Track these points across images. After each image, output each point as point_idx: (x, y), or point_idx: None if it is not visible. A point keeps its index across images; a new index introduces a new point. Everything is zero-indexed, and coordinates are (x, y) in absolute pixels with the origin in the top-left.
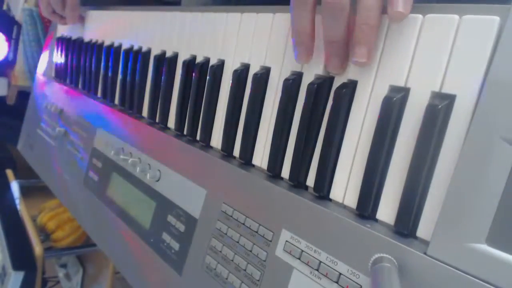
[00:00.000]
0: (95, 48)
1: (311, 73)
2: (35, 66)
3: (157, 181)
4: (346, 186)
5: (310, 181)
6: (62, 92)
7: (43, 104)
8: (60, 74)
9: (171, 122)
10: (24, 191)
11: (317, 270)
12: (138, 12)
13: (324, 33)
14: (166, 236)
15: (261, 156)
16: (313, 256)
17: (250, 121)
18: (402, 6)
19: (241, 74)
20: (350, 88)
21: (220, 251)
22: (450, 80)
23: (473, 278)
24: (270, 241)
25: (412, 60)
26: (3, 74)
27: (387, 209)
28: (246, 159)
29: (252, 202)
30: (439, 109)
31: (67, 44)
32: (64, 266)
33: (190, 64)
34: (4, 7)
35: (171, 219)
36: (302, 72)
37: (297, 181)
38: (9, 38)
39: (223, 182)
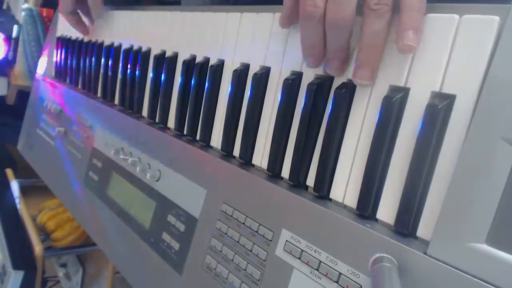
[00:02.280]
0: (95, 48)
1: (311, 73)
2: (35, 66)
3: (157, 181)
4: (346, 186)
5: (310, 181)
6: (62, 92)
7: (43, 104)
8: (60, 74)
9: (171, 122)
10: (24, 191)
11: (317, 270)
12: (138, 12)
13: (327, 44)
14: (166, 236)
15: (261, 156)
16: (313, 256)
17: (250, 121)
18: (412, 39)
19: (241, 74)
20: (350, 88)
21: (220, 251)
22: (450, 80)
23: (473, 278)
24: (270, 240)
25: (412, 59)
26: (3, 74)
27: (387, 209)
28: (246, 159)
29: (252, 202)
30: (439, 109)
31: (67, 43)
32: (64, 265)
33: (190, 64)
34: (4, 7)
35: (171, 219)
36: (302, 72)
37: (297, 181)
38: (9, 38)
39: (223, 182)
